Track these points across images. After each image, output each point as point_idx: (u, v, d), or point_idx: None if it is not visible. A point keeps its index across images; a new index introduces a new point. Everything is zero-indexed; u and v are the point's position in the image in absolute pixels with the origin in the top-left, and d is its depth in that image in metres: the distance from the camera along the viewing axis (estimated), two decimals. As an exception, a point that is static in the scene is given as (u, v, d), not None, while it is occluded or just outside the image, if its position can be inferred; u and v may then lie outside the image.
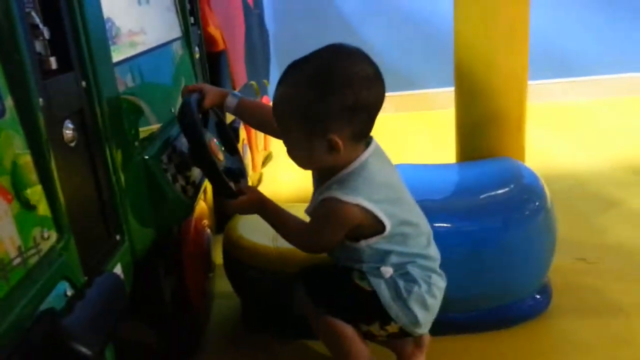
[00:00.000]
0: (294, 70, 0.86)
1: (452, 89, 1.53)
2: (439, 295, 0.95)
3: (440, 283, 0.95)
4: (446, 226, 1.08)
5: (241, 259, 1.21)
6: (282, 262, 1.17)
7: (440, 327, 0.99)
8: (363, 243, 0.90)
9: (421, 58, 2.99)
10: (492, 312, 1.18)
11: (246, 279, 1.24)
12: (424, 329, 0.95)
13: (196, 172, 1.08)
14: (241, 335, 1.26)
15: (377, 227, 0.89)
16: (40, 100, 0.60)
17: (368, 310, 0.93)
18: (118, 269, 0.76)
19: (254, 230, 1.21)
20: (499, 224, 1.16)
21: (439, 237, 0.99)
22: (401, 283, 0.91)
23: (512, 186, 1.23)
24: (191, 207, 1.02)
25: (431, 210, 0.99)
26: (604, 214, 1.72)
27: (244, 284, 1.26)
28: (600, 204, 1.78)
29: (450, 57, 1.49)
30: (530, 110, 1.51)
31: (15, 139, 0.56)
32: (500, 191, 1.22)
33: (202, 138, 0.94)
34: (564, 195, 1.78)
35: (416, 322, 0.92)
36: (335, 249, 0.96)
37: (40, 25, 0.65)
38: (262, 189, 1.19)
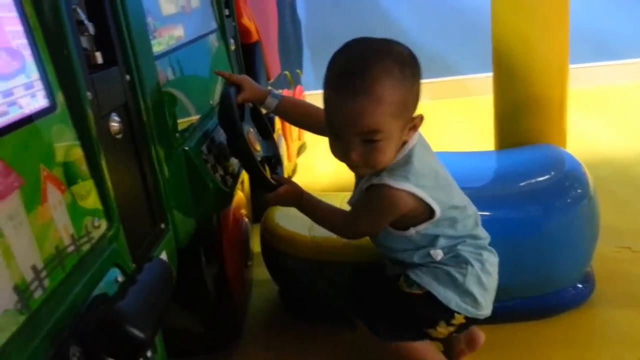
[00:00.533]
0: (370, 73, 0.80)
1: (489, 74, 1.50)
2: (494, 272, 0.95)
3: (492, 259, 0.95)
4: (487, 214, 1.06)
5: (278, 248, 1.23)
6: (318, 250, 1.18)
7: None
8: (412, 230, 0.90)
9: (457, 44, 2.93)
10: (534, 301, 1.16)
11: (283, 267, 1.26)
12: (486, 309, 0.94)
13: (234, 162, 1.10)
14: (280, 322, 1.29)
15: (426, 213, 0.89)
16: (88, 94, 0.62)
17: (429, 313, 0.93)
18: (163, 257, 0.78)
19: (291, 219, 1.23)
20: (540, 212, 1.14)
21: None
22: (453, 270, 0.91)
23: (553, 173, 1.20)
24: (230, 196, 1.04)
25: (471, 199, 0.98)
26: (650, 201, 1.66)
27: (281, 272, 1.28)
28: (646, 190, 1.72)
29: (487, 42, 1.46)
30: (570, 95, 1.47)
31: (67, 133, 0.59)
32: (541, 178, 1.20)
33: (241, 132, 0.95)
34: (607, 181, 1.73)
35: (476, 302, 0.91)
36: (383, 239, 0.95)
37: (86, 21, 0.67)
38: (296, 179, 1.19)
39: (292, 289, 1.30)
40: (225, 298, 1.14)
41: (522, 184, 1.20)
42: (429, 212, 0.88)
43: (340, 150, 0.86)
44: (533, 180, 1.20)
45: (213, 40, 1.26)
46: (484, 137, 1.66)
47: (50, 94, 0.57)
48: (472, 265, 0.91)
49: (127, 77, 0.73)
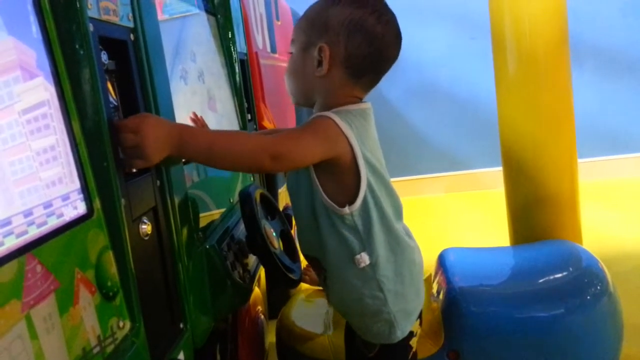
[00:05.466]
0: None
1: (500, 169, 1.55)
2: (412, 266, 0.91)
3: (409, 252, 0.91)
4: (504, 313, 1.05)
5: (294, 347, 1.21)
6: (336, 351, 1.16)
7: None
8: (347, 209, 0.86)
9: (469, 139, 3.04)
10: (559, 406, 1.11)
11: (300, 367, 1.24)
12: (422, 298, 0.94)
13: (252, 259, 1.12)
14: None
15: (354, 181, 0.85)
16: (123, 200, 0.66)
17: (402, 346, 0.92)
18: (181, 358, 0.79)
19: (308, 318, 1.22)
20: (561, 310, 1.12)
21: (498, 325, 0.96)
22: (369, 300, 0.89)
23: (570, 269, 1.20)
24: (248, 294, 1.05)
25: (488, 296, 0.98)
26: (674, 296, 1.62)
27: (298, 372, 1.25)
28: (669, 286, 1.69)
29: (496, 137, 1.53)
30: (583, 189, 1.49)
31: (100, 237, 0.63)
32: (559, 275, 1.20)
33: (260, 229, 0.98)
34: (629, 277, 1.70)
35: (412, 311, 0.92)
36: (325, 234, 0.90)
37: (124, 133, 0.73)
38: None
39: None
40: (240, 399, 1.11)
41: (540, 281, 1.19)
42: (357, 180, 0.85)
43: None
44: (551, 277, 1.20)
45: (235, 142, 1.34)
46: (497, 231, 1.68)
47: (88, 202, 0.61)
48: (383, 292, 0.88)
49: (158, 182, 0.78)
